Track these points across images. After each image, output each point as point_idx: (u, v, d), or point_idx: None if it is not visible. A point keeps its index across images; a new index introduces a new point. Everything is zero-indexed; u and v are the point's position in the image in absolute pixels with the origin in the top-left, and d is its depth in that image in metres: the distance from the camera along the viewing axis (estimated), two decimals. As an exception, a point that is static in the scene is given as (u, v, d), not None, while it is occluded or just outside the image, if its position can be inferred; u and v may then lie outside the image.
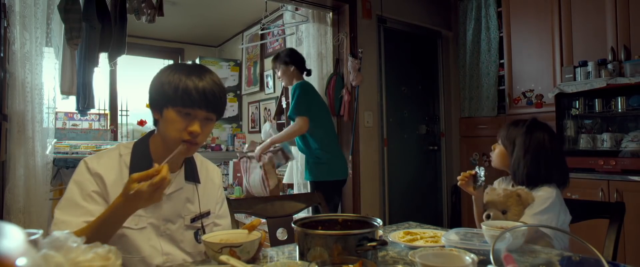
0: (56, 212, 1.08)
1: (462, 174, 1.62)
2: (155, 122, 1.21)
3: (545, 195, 1.46)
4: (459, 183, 1.62)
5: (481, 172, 1.58)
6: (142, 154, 1.18)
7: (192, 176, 1.25)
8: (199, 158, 1.32)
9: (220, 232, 1.17)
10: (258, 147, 2.96)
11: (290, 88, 3.02)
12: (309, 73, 2.96)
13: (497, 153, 1.66)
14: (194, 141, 1.12)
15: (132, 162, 1.17)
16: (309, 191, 2.90)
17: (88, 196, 1.10)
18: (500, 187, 1.59)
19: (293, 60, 2.83)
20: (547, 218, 1.41)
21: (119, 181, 1.14)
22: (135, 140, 1.24)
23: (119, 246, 1.09)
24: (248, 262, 1.04)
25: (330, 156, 2.75)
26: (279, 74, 2.88)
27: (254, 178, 3.14)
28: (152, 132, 1.24)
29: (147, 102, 1.19)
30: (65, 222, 1.06)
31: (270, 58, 4.52)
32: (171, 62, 5.48)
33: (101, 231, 1.02)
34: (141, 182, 0.96)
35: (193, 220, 1.23)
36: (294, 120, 2.72)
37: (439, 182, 3.96)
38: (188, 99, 1.09)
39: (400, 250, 1.18)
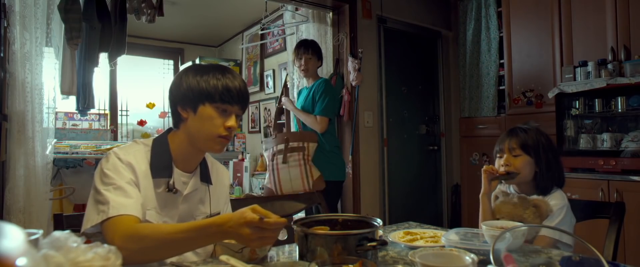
0: (107, 195, 1.04)
1: (492, 167, 1.53)
2: (178, 122, 1.20)
3: (560, 203, 1.43)
4: (483, 168, 1.53)
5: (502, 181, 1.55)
6: (162, 151, 1.19)
7: (206, 177, 1.26)
8: (209, 159, 1.33)
9: None
10: (286, 101, 2.96)
11: (303, 83, 3.06)
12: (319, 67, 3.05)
13: (525, 163, 1.50)
14: (230, 136, 1.17)
15: (152, 159, 1.17)
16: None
17: (127, 183, 1.09)
18: (512, 193, 1.54)
19: (321, 57, 2.93)
20: (566, 229, 1.40)
21: (148, 175, 1.14)
22: (154, 138, 1.25)
23: None
24: (260, 260, 1.05)
25: (337, 156, 2.87)
26: (303, 63, 2.82)
27: (293, 173, 2.79)
28: (169, 130, 1.24)
29: (173, 100, 1.18)
30: (124, 204, 1.04)
31: (270, 58, 4.57)
32: (171, 62, 5.48)
33: (182, 244, 1.00)
34: (253, 227, 0.93)
35: None
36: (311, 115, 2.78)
37: (439, 182, 3.96)
38: (228, 95, 1.14)
39: (400, 250, 1.18)
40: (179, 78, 1.18)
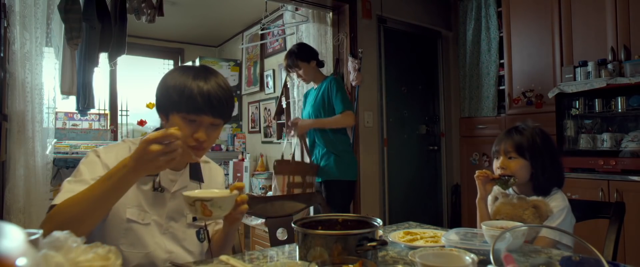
0: (65, 185, 1.07)
1: (486, 171, 1.51)
2: (161, 123, 1.21)
3: (560, 205, 1.42)
4: (478, 173, 1.52)
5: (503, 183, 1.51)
6: None
7: (197, 175, 1.26)
8: (202, 158, 1.32)
9: (203, 191, 1.15)
10: (302, 123, 2.79)
11: (311, 85, 2.95)
12: (322, 64, 2.94)
13: (520, 167, 1.48)
14: (200, 146, 1.11)
15: None
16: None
17: (93, 179, 1.08)
18: (511, 194, 1.54)
19: (313, 55, 2.82)
20: (566, 228, 1.40)
21: None
22: (142, 136, 1.24)
23: (124, 239, 1.11)
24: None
25: (349, 155, 2.82)
26: (300, 72, 2.78)
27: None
28: (157, 130, 1.24)
29: (156, 106, 1.17)
30: (72, 191, 1.02)
31: (270, 58, 4.57)
32: (171, 62, 5.48)
33: (98, 199, 0.96)
34: (156, 145, 0.92)
35: (195, 218, 1.23)
36: (339, 113, 2.70)
37: (439, 182, 3.96)
38: (192, 105, 1.07)
39: (400, 250, 1.18)
40: (159, 83, 1.15)
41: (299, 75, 2.83)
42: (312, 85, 2.99)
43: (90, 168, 1.10)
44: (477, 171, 1.53)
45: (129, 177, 0.95)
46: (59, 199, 1.01)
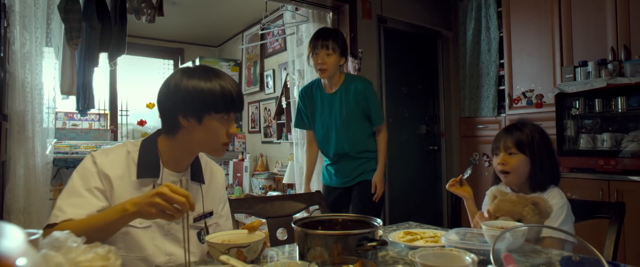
0: (58, 202, 1.07)
1: (452, 180, 1.70)
2: (176, 129, 1.14)
3: (560, 202, 1.43)
4: (448, 186, 1.69)
5: (467, 173, 1.70)
6: (151, 152, 1.18)
7: (198, 176, 1.26)
8: (203, 158, 1.32)
9: (222, 233, 1.17)
10: (378, 179, 2.38)
11: (335, 87, 2.34)
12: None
13: (520, 162, 1.50)
14: (230, 141, 1.19)
15: (140, 160, 1.16)
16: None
17: (90, 190, 1.09)
18: (510, 192, 1.55)
19: (346, 54, 2.34)
20: (568, 228, 1.41)
21: (126, 178, 1.14)
22: (143, 138, 1.24)
23: (121, 244, 1.10)
24: (252, 261, 1.05)
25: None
26: (328, 58, 2.20)
27: None
28: (159, 131, 1.23)
29: (171, 107, 1.12)
30: (65, 211, 1.05)
31: (270, 58, 4.57)
32: (171, 62, 5.48)
33: (92, 235, 0.94)
34: (164, 202, 0.94)
35: (196, 220, 1.23)
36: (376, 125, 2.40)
37: (439, 182, 3.96)
38: (231, 103, 1.13)
39: (400, 250, 1.18)
40: (177, 83, 1.11)
41: (322, 59, 2.20)
42: (322, 85, 2.40)
43: (84, 179, 1.10)
44: (447, 184, 1.71)
45: (126, 220, 1.00)
46: (55, 219, 1.04)
